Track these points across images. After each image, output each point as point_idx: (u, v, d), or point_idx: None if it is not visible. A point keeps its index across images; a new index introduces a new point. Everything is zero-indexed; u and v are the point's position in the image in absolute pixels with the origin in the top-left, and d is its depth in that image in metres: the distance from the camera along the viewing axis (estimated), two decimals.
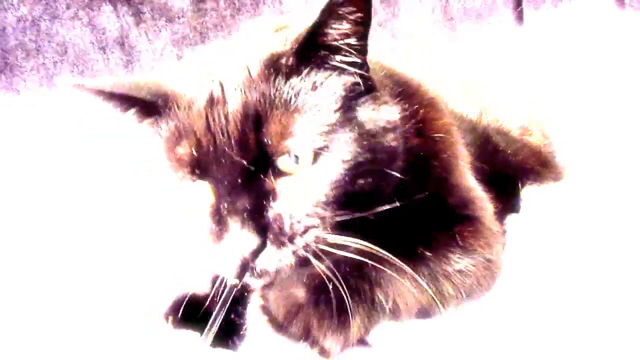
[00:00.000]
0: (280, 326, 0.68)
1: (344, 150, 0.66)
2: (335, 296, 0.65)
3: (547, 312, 0.73)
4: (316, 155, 0.66)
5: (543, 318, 0.72)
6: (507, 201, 1.07)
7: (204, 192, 0.68)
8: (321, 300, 0.66)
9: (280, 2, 1.68)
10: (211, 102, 0.67)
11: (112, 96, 0.70)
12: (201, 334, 0.72)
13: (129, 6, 1.58)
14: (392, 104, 0.74)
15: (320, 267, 0.65)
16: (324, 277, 0.65)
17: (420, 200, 0.73)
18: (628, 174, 1.09)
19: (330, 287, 0.65)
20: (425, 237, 0.75)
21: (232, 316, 0.74)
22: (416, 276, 0.69)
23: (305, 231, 0.65)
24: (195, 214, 0.69)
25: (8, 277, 1.02)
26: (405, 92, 0.81)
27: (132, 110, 0.72)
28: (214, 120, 0.65)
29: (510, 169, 1.15)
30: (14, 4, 1.50)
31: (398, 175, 0.70)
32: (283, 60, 0.67)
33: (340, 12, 0.65)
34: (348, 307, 0.65)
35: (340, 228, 0.66)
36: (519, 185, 1.13)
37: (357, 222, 0.67)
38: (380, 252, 0.65)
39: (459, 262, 0.75)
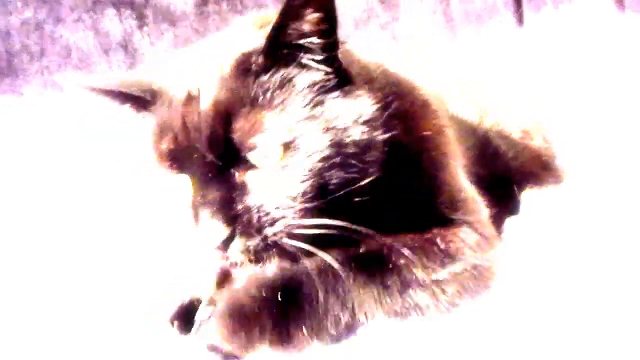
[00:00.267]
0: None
1: (311, 144, 0.68)
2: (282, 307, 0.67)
3: (546, 314, 0.73)
4: (285, 149, 0.67)
5: (542, 320, 0.72)
6: (506, 204, 1.08)
7: (184, 185, 0.71)
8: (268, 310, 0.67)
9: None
10: (187, 99, 0.69)
11: (106, 92, 0.76)
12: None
13: (132, 9, 1.60)
14: (367, 97, 0.74)
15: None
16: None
17: (408, 198, 0.75)
18: (628, 177, 1.09)
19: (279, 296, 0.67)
20: (404, 240, 0.75)
21: None
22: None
23: (273, 222, 0.67)
24: (179, 205, 0.72)
25: (10, 277, 1.03)
26: (399, 92, 0.82)
27: (127, 105, 0.77)
28: (188, 116, 0.68)
29: (510, 172, 1.15)
30: (18, 8, 1.51)
31: (372, 169, 0.72)
32: (253, 59, 0.69)
33: (298, 13, 0.67)
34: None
35: (312, 215, 0.68)
36: (519, 188, 1.14)
37: (330, 213, 0.68)
38: (354, 228, 0.67)
39: (437, 270, 0.74)
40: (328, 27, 0.69)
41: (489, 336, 0.70)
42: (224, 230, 0.66)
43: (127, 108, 0.77)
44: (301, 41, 0.69)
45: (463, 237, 0.78)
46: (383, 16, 1.87)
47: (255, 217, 0.67)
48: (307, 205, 0.68)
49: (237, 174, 0.68)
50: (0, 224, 1.25)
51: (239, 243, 0.67)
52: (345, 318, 0.69)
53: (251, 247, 0.67)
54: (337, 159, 0.69)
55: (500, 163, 1.16)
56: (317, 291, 0.68)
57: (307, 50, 0.70)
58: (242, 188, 0.68)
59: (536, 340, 0.68)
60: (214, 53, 0.75)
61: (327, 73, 0.71)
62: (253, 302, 0.67)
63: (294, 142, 0.67)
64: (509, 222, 1.01)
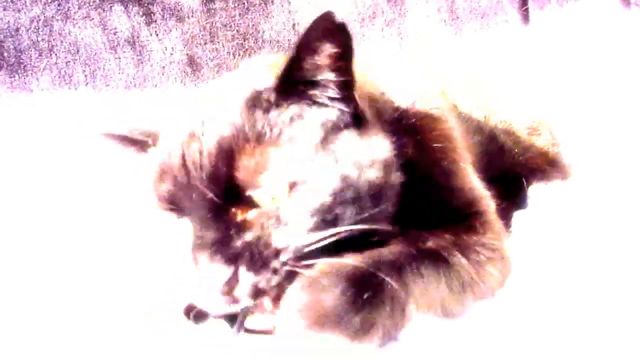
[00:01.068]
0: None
1: (321, 181, 0.64)
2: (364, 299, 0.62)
3: (553, 308, 0.74)
4: (292, 187, 0.64)
5: (549, 313, 0.73)
6: (513, 198, 1.09)
7: (185, 228, 0.68)
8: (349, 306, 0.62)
9: (289, 1, 1.70)
10: (190, 137, 0.67)
11: (113, 137, 0.80)
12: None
13: (139, 6, 1.60)
14: (383, 138, 0.73)
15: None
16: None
17: (424, 205, 0.74)
18: (634, 172, 1.10)
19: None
20: (435, 234, 0.74)
21: None
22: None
23: (278, 253, 0.64)
24: (179, 248, 0.69)
25: (16, 273, 1.03)
26: (404, 110, 0.82)
27: (132, 149, 0.79)
28: (189, 154, 0.66)
29: (517, 168, 1.16)
30: (27, 5, 1.52)
31: (387, 204, 0.69)
32: (264, 96, 0.67)
33: (315, 46, 0.65)
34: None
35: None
36: (526, 183, 1.15)
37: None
38: (359, 266, 0.63)
39: (479, 251, 0.74)
40: (345, 64, 0.67)
41: (495, 328, 0.71)
42: (224, 271, 0.62)
43: (132, 151, 0.79)
44: (317, 77, 0.67)
45: (486, 224, 0.79)
46: (388, 13, 1.88)
47: (257, 250, 0.63)
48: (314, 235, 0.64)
49: (238, 213, 0.65)
50: (7, 220, 1.25)
51: (245, 282, 0.63)
52: (409, 307, 0.65)
53: (262, 285, 0.63)
54: (349, 196, 0.66)
55: (507, 159, 1.17)
56: (387, 276, 0.63)
57: (323, 86, 0.68)
58: (242, 226, 0.64)
59: (541, 331, 0.69)
60: (222, 92, 0.74)
61: (341, 111, 0.69)
62: (330, 293, 0.61)
63: (302, 180, 0.64)
64: (517, 216, 1.02)
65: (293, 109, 0.67)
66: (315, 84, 0.68)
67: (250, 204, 0.65)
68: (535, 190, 1.11)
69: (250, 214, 0.65)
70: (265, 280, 0.63)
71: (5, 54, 1.50)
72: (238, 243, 0.63)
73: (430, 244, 0.71)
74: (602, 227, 0.93)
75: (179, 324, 0.77)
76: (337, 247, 0.65)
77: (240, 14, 1.67)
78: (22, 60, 1.52)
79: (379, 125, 0.75)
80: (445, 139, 0.86)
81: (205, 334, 0.74)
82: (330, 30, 0.65)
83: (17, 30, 1.51)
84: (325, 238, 0.64)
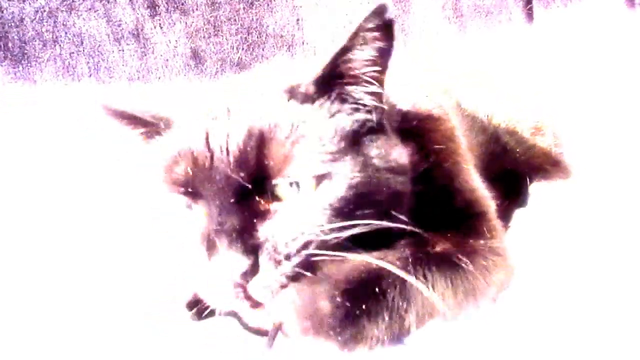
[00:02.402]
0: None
1: (345, 179, 0.65)
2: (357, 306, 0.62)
3: (554, 306, 0.74)
4: (318, 181, 0.64)
5: (550, 311, 0.73)
6: (515, 197, 1.10)
7: (196, 216, 0.66)
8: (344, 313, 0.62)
9: None
10: (215, 121, 0.66)
11: (120, 114, 0.74)
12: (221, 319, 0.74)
13: None
14: (401, 147, 0.74)
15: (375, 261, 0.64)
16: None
17: (426, 206, 0.74)
18: (637, 173, 1.10)
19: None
20: (439, 237, 0.74)
21: None
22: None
23: (303, 247, 0.63)
24: (187, 238, 0.67)
25: (18, 271, 1.04)
26: (405, 113, 0.83)
27: (138, 131, 0.75)
28: (214, 137, 0.65)
29: (519, 167, 1.17)
30: None
31: (403, 217, 0.68)
32: (302, 89, 0.67)
33: (366, 37, 0.65)
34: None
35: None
36: (527, 182, 1.15)
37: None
38: (380, 264, 0.64)
39: (486, 257, 0.74)
40: (385, 61, 0.68)
41: (495, 325, 0.71)
42: (244, 261, 0.60)
43: (137, 134, 0.75)
44: (362, 70, 0.67)
45: (487, 224, 0.79)
46: (393, 9, 1.87)
47: (281, 244, 0.62)
48: (334, 233, 0.64)
49: (262, 202, 0.64)
50: (8, 214, 1.25)
51: (263, 276, 0.61)
52: (409, 321, 0.65)
53: (277, 280, 0.62)
54: (368, 196, 0.66)
55: (510, 158, 1.17)
56: (387, 290, 0.64)
57: (365, 82, 0.68)
58: (265, 216, 0.63)
59: (542, 329, 0.69)
60: (249, 84, 0.73)
61: (370, 114, 0.70)
62: (326, 297, 0.62)
63: (328, 175, 0.64)
64: (518, 214, 1.03)
65: (329, 105, 0.68)
66: (358, 79, 0.68)
67: (274, 194, 0.64)
68: (537, 189, 1.12)
69: (275, 205, 0.64)
70: (283, 273, 0.62)
71: (10, 45, 1.50)
72: (260, 233, 0.62)
73: (438, 249, 0.71)
74: (603, 226, 0.93)
75: (179, 323, 0.77)
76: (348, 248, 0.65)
77: (244, 8, 1.67)
78: (26, 51, 1.52)
79: (395, 134, 0.76)
80: (446, 139, 0.86)
81: (204, 333, 0.75)
82: (383, 24, 0.65)
83: (22, 20, 1.51)
84: (344, 228, 0.63)
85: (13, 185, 1.36)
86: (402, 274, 0.63)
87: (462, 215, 0.81)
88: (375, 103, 0.70)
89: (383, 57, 0.68)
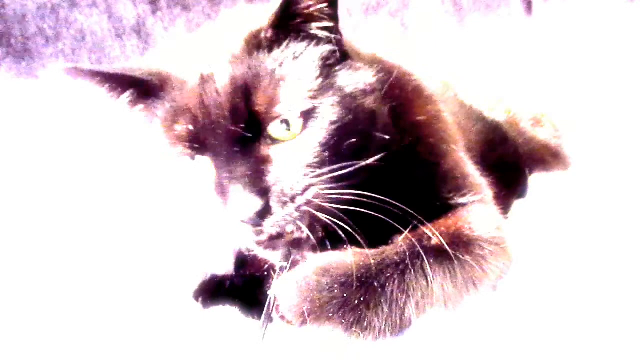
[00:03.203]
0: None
1: (329, 113, 0.70)
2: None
3: (553, 296, 0.75)
4: (305, 120, 0.70)
5: (549, 301, 0.74)
6: (514, 187, 1.11)
7: (204, 167, 0.72)
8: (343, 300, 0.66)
9: None
10: (202, 80, 0.70)
11: (108, 77, 0.72)
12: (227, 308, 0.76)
13: None
14: (367, 69, 0.78)
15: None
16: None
17: (412, 188, 0.76)
18: (635, 165, 1.11)
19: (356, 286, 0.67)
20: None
21: (256, 291, 0.78)
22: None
23: (305, 189, 0.69)
24: (198, 189, 0.73)
25: (18, 258, 1.04)
26: (390, 76, 0.83)
27: (127, 94, 0.74)
28: (206, 95, 0.69)
29: (519, 158, 1.17)
30: None
31: (382, 135, 0.74)
32: (262, 35, 0.71)
33: None
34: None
35: (337, 185, 0.70)
36: (527, 172, 1.16)
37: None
38: (380, 199, 0.68)
39: (482, 246, 0.75)
40: None
41: (494, 314, 0.72)
42: (257, 202, 0.66)
43: (126, 97, 0.74)
44: (312, 9, 0.71)
45: (480, 219, 0.79)
46: (393, 3, 1.88)
47: (286, 186, 0.68)
48: (329, 174, 0.69)
49: (261, 147, 0.70)
50: (13, 207, 1.26)
51: (275, 214, 0.67)
52: (409, 312, 0.68)
53: (286, 217, 0.68)
54: (350, 126, 0.71)
55: (509, 148, 1.18)
56: (386, 283, 0.67)
57: (317, 18, 0.72)
58: (267, 161, 0.69)
59: (541, 320, 0.70)
60: (216, 38, 0.76)
61: (332, 44, 0.74)
62: (330, 288, 0.66)
63: (313, 111, 0.70)
64: (517, 205, 1.04)
65: (294, 45, 0.72)
66: (310, 17, 0.72)
67: (270, 138, 0.70)
68: (536, 180, 1.13)
69: (273, 148, 0.70)
70: (289, 212, 0.68)
71: (13, 41, 1.51)
72: (269, 178, 0.68)
73: (433, 241, 0.73)
74: (602, 217, 0.94)
75: (178, 314, 0.78)
76: (347, 239, 0.68)
77: (245, 3, 1.68)
78: (28, 47, 1.53)
79: (363, 62, 0.79)
80: (433, 115, 0.87)
81: (203, 324, 0.76)
82: None
83: (24, 17, 1.52)
84: (346, 194, 0.68)
85: (15, 181, 1.36)
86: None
87: (456, 203, 0.82)
88: (332, 35, 0.74)
89: None
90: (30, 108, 1.50)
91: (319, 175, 0.69)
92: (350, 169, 0.69)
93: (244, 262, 0.83)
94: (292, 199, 0.68)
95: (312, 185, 0.69)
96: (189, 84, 0.71)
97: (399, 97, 0.83)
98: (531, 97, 1.37)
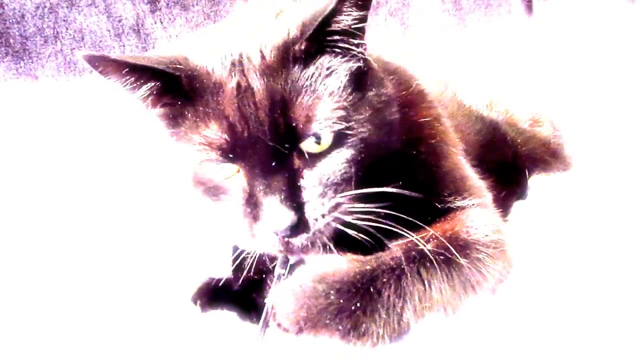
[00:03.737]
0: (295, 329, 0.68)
1: (360, 130, 0.71)
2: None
3: (553, 298, 0.75)
4: (337, 135, 0.70)
5: (549, 303, 0.74)
6: (513, 188, 1.10)
7: (234, 176, 0.71)
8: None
9: None
10: (238, 89, 0.69)
11: (134, 68, 0.68)
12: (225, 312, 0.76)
13: None
14: (387, 80, 0.79)
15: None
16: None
17: (414, 189, 0.75)
18: (635, 165, 1.11)
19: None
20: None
21: (253, 295, 0.78)
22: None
23: (335, 207, 0.70)
24: (224, 196, 0.72)
25: (19, 254, 1.05)
26: (396, 80, 0.84)
27: (147, 86, 0.70)
28: (244, 107, 0.68)
29: (518, 159, 1.17)
30: None
31: (396, 144, 0.76)
32: (296, 47, 0.70)
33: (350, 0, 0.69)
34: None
35: (361, 202, 0.71)
36: (527, 173, 1.15)
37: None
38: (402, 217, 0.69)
39: (479, 249, 0.75)
40: (366, 12, 0.72)
41: (495, 315, 0.72)
42: (292, 217, 0.67)
43: (146, 90, 0.70)
44: (351, 27, 0.71)
45: (478, 223, 0.79)
46: (392, 2, 1.88)
47: (318, 203, 0.69)
48: (356, 191, 0.70)
49: (294, 161, 0.70)
50: (15, 208, 1.26)
51: (307, 228, 0.68)
52: (407, 317, 0.68)
53: (316, 232, 0.69)
54: (376, 140, 0.72)
55: (509, 149, 1.18)
56: (382, 289, 0.68)
57: (351, 35, 0.72)
58: (300, 175, 0.70)
59: (543, 320, 0.71)
60: (243, 39, 0.73)
61: (361, 59, 0.74)
62: (326, 295, 0.67)
63: (347, 128, 0.70)
64: (517, 206, 1.03)
65: (327, 60, 0.72)
66: (348, 33, 0.71)
67: (303, 153, 0.70)
68: (536, 181, 1.12)
69: (306, 163, 0.70)
70: (319, 229, 0.69)
71: (11, 41, 1.50)
72: (303, 192, 0.69)
73: (430, 245, 0.73)
74: (602, 217, 0.94)
75: (177, 317, 0.78)
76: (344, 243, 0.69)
77: (244, 2, 1.67)
78: (27, 47, 1.53)
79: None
80: (434, 118, 0.88)
81: (202, 327, 0.77)
82: None
83: (23, 17, 1.51)
84: (372, 209, 0.69)
85: (14, 181, 1.36)
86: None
87: (456, 206, 0.82)
88: (362, 50, 0.74)
89: (366, 10, 0.72)
90: (29, 108, 1.50)
91: (347, 194, 0.70)
92: (377, 190, 0.69)
93: (242, 266, 0.83)
94: (323, 216, 0.69)
95: (340, 203, 0.70)
96: (225, 90, 0.69)
97: (405, 100, 0.83)
98: (531, 96, 1.37)
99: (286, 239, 0.69)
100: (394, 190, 0.69)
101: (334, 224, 0.70)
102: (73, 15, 1.55)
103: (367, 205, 0.70)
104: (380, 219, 0.69)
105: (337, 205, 0.70)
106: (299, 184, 0.69)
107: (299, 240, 0.69)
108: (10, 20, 1.50)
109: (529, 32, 1.88)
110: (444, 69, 1.31)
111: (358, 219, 0.70)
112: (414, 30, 1.88)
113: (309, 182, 0.70)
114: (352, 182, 0.71)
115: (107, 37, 1.58)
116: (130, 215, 1.15)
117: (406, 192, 0.71)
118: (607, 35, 1.75)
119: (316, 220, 0.69)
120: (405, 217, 0.70)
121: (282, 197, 0.67)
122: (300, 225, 0.68)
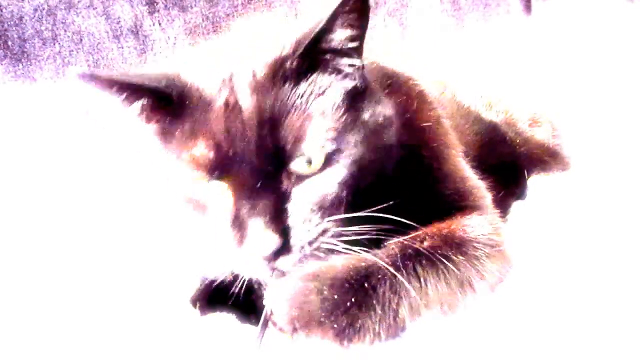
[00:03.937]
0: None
1: (352, 152, 0.69)
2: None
3: (552, 299, 0.75)
4: (328, 156, 0.68)
5: (548, 304, 0.74)
6: (512, 188, 1.10)
7: (221, 195, 0.69)
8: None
9: None
10: (226, 106, 0.68)
11: (124, 86, 0.68)
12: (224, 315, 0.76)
13: None
14: (386, 100, 0.77)
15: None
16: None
17: (415, 193, 0.76)
18: (635, 166, 1.11)
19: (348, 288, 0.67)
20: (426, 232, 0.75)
21: (252, 297, 0.78)
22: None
23: (322, 232, 0.68)
24: (211, 215, 0.71)
25: (17, 257, 1.05)
26: (394, 85, 0.84)
27: (140, 102, 0.70)
28: (231, 125, 0.67)
29: (517, 159, 1.17)
30: None
31: (390, 167, 0.74)
32: (287, 64, 0.69)
33: (344, 17, 0.68)
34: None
35: (350, 224, 0.69)
36: (526, 173, 1.16)
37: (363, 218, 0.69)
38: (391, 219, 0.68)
39: (476, 247, 0.75)
40: (362, 32, 0.71)
41: (493, 317, 0.72)
42: (277, 240, 0.65)
43: (138, 106, 0.70)
44: (343, 46, 0.70)
45: (475, 222, 0.79)
46: (391, 2, 1.87)
47: (304, 228, 0.67)
48: (344, 213, 0.69)
49: (282, 182, 0.68)
50: (11, 211, 1.26)
51: (292, 254, 0.67)
52: (403, 314, 0.67)
53: (302, 258, 0.68)
54: (370, 162, 0.71)
55: (508, 150, 1.18)
56: (377, 285, 0.67)
57: (346, 55, 0.71)
58: (288, 197, 0.68)
59: (540, 324, 0.70)
60: (236, 57, 0.73)
61: (356, 78, 0.73)
62: (319, 292, 0.66)
63: (338, 149, 0.68)
64: (516, 206, 1.03)
65: (320, 79, 0.70)
66: (340, 53, 0.70)
67: (292, 174, 0.68)
68: (535, 181, 1.12)
69: (294, 185, 0.68)
70: (306, 253, 0.68)
71: (9, 43, 1.50)
72: (289, 216, 0.67)
73: (426, 243, 0.73)
74: (601, 218, 0.94)
75: (176, 320, 0.78)
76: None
77: (242, 4, 1.67)
78: (25, 49, 1.52)
79: (382, 89, 0.80)
80: (435, 121, 0.87)
81: (200, 331, 0.76)
82: (359, 2, 0.68)
83: (21, 19, 1.51)
84: (359, 234, 0.68)
85: (12, 184, 1.36)
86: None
87: (453, 204, 0.82)
88: (357, 70, 0.73)
89: (360, 30, 0.70)
90: (27, 111, 1.50)
91: (336, 218, 0.69)
92: (367, 212, 0.68)
93: None
94: (310, 243, 0.68)
95: (328, 229, 0.69)
96: (213, 107, 0.68)
97: (405, 104, 0.82)
98: (529, 96, 1.37)
99: (272, 264, 0.67)
100: (387, 216, 0.68)
101: (322, 248, 0.68)
102: (71, 17, 1.55)
103: (359, 228, 0.68)
104: (373, 231, 0.68)
105: (325, 231, 0.68)
106: (286, 206, 0.67)
107: (283, 265, 0.67)
108: (9, 23, 1.49)
109: (527, 32, 1.87)
110: (442, 69, 1.31)
111: (348, 242, 0.68)
112: (413, 30, 1.88)
113: (296, 206, 0.68)
114: (342, 206, 0.69)
115: (106, 39, 1.58)
116: (129, 217, 1.15)
117: (402, 219, 0.69)
118: (606, 35, 1.75)
119: (302, 247, 0.67)
120: (402, 220, 0.69)
121: (267, 219, 0.65)
122: (284, 250, 0.66)
